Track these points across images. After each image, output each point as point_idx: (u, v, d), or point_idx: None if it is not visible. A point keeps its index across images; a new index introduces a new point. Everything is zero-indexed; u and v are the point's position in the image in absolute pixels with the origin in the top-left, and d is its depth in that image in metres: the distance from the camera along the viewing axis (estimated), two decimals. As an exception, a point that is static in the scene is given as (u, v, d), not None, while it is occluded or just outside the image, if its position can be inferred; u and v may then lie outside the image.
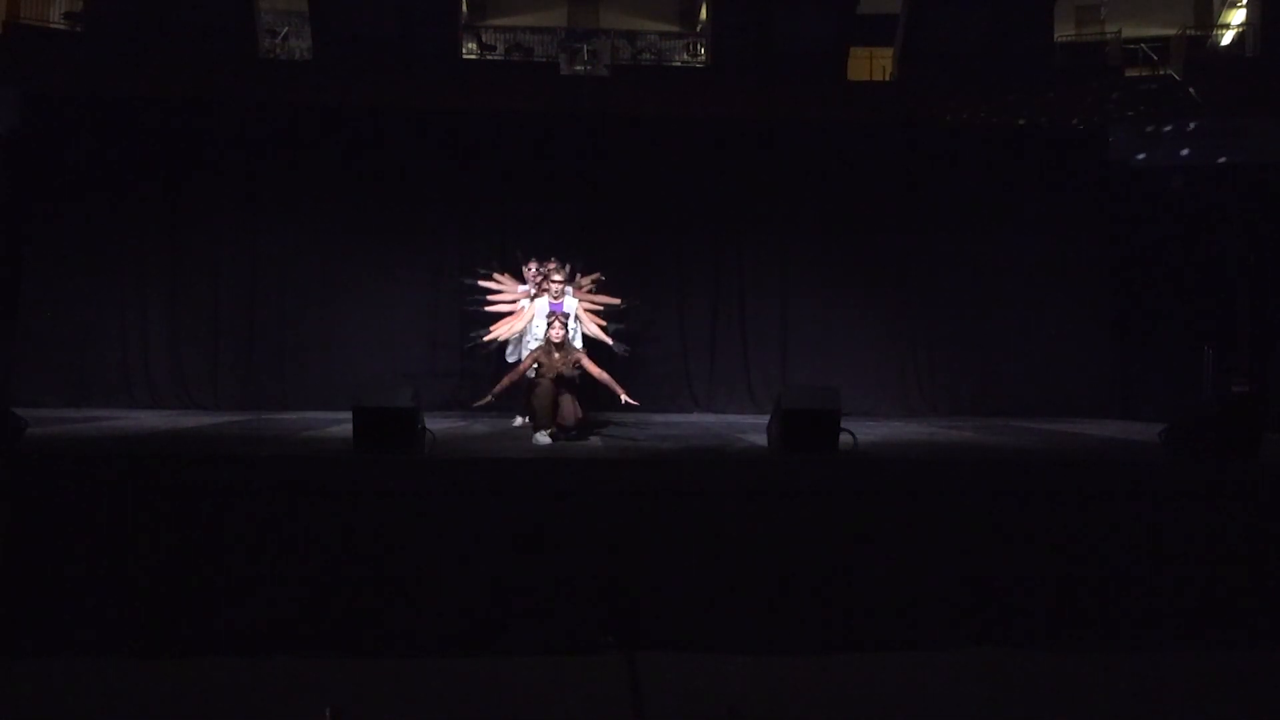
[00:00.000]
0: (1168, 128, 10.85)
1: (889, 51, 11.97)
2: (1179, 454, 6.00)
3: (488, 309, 8.63)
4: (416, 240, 10.70)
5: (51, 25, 11.54)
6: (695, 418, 10.12)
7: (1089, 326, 10.87)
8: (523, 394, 7.44)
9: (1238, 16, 13.26)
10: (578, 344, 7.82)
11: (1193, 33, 12.77)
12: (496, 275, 8.74)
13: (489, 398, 7.09)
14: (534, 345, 7.63)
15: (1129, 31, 12.55)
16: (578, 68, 11.03)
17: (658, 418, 9.73)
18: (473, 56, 12.73)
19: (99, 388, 10.13)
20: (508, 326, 8.25)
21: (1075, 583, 5.13)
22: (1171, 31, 12.31)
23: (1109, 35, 12.71)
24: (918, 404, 10.79)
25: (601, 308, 8.58)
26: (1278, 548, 5.22)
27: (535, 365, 7.09)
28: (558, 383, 6.99)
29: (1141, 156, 10.88)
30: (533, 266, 8.53)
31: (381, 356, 10.29)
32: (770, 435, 6.32)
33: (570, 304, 8.10)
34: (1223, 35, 13.45)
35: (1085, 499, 5.31)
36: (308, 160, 10.59)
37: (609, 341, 8.22)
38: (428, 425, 5.89)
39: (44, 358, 10.07)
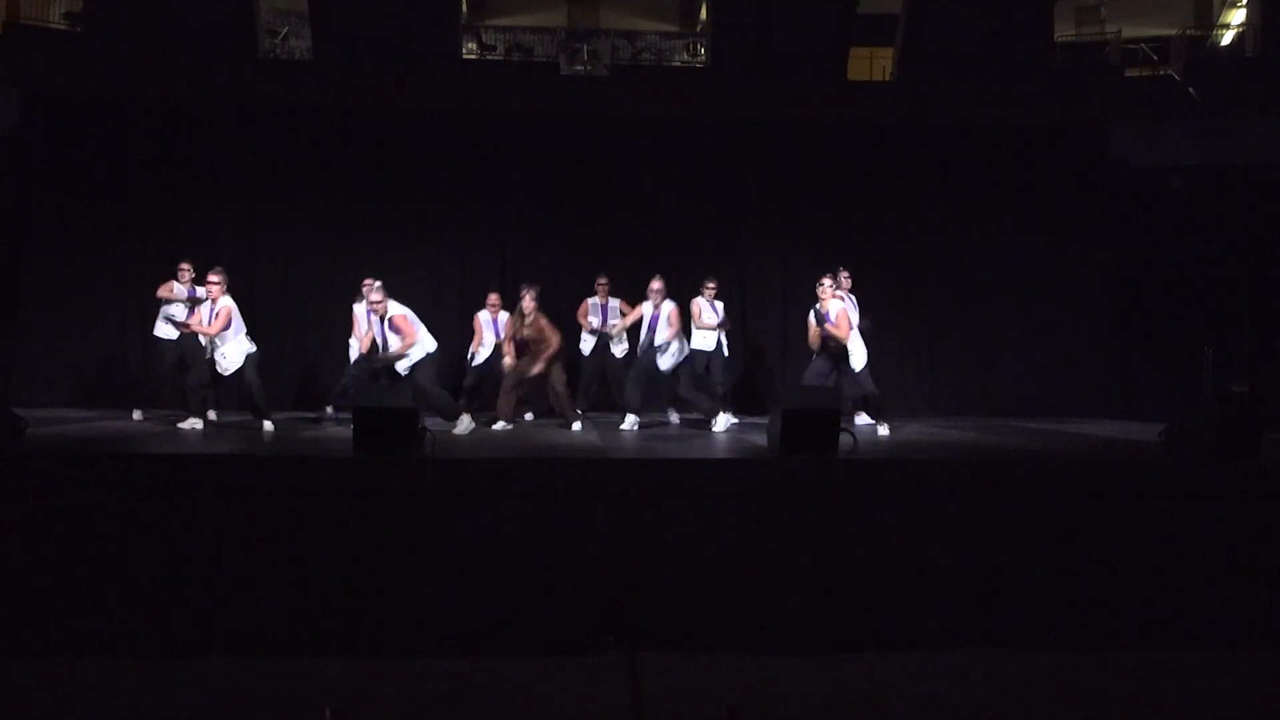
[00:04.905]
0: (1168, 128, 10.84)
1: (889, 51, 11.95)
2: (1179, 454, 6.00)
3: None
4: (416, 240, 10.69)
5: (51, 25, 11.52)
6: (695, 418, 10.10)
7: (1089, 326, 10.85)
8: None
9: (1238, 16, 13.25)
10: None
11: (1193, 33, 12.75)
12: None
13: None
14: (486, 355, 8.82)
15: (1129, 31, 12.52)
16: (578, 68, 11.00)
17: (657, 418, 9.71)
18: (473, 56, 12.70)
19: (99, 388, 10.11)
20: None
21: (1075, 583, 5.13)
22: (1171, 31, 12.28)
23: (1109, 35, 12.69)
24: (918, 404, 10.77)
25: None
26: (1277, 548, 5.22)
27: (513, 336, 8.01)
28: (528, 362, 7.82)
29: (1141, 156, 10.87)
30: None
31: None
32: (770, 435, 6.31)
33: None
34: (1223, 35, 13.43)
35: (1085, 499, 5.31)
36: (307, 160, 10.58)
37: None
38: (428, 425, 5.89)
39: (44, 358, 10.06)
